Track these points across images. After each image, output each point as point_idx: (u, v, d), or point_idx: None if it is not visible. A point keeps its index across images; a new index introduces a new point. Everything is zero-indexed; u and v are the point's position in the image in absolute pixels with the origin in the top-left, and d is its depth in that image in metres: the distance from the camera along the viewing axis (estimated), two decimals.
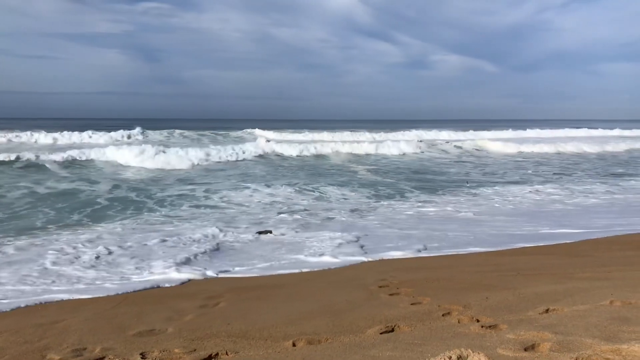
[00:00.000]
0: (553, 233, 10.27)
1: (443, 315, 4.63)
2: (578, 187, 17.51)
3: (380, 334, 4.14)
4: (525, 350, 3.16)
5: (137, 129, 42.71)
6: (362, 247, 9.29)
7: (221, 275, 7.57)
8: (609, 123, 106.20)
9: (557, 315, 4.21)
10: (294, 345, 4.04)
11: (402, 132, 52.84)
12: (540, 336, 3.44)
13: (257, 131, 51.61)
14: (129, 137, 40.39)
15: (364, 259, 8.41)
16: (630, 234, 9.86)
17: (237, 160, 26.08)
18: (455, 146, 37.06)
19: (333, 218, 12.17)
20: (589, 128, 71.17)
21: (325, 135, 47.81)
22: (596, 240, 9.25)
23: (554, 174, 22.47)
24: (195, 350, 4.08)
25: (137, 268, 7.75)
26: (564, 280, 5.90)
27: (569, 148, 35.81)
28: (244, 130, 51.89)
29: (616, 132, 63.63)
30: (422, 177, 21.41)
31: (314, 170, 23.22)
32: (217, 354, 3.94)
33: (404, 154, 31.50)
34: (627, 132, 62.00)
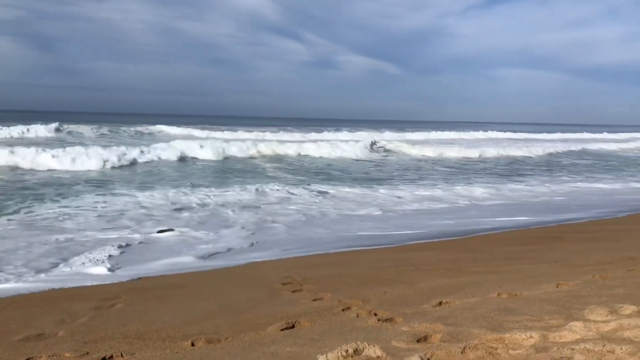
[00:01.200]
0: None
1: (343, 310, 4.72)
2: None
3: (281, 330, 4.16)
4: (418, 341, 3.29)
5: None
6: (257, 244, 9.27)
7: (119, 275, 7.28)
8: (504, 125, 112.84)
9: (449, 307, 4.42)
10: (192, 345, 3.97)
11: (344, 132, 54.22)
12: (433, 328, 3.60)
13: (161, 127, 49.84)
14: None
15: (265, 257, 8.40)
16: (518, 230, 10.54)
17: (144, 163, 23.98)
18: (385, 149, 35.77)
19: (232, 217, 11.96)
20: (514, 132, 73.14)
21: (243, 134, 46.84)
22: (487, 237, 9.81)
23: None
24: (87, 353, 3.89)
25: (24, 270, 7.27)
26: (457, 275, 6.21)
27: (492, 152, 34.41)
28: (144, 126, 49.54)
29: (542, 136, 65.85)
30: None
31: (224, 170, 22.79)
32: (111, 357, 3.79)
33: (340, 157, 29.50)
34: (540, 136, 64.43)
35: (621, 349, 2.78)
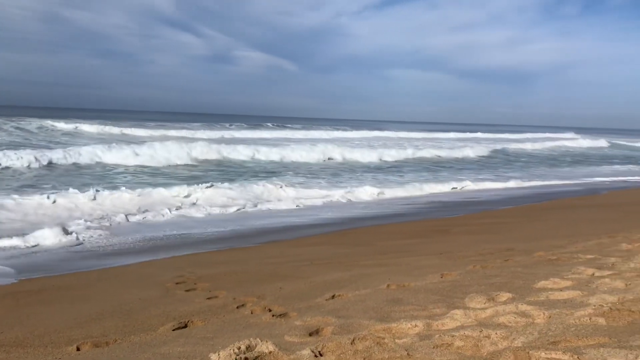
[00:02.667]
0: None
1: (237, 307, 4.70)
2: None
3: (173, 330, 4.08)
4: (310, 335, 3.36)
5: None
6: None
7: None
8: (397, 125, 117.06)
9: (342, 300, 4.54)
10: (78, 349, 3.78)
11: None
12: (325, 321, 3.69)
13: (50, 122, 45.03)
14: None
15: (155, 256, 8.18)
16: (407, 223, 11.02)
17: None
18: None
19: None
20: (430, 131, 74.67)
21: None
22: (379, 231, 10.17)
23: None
24: None
25: None
26: (350, 268, 6.39)
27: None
28: (27, 120, 43.90)
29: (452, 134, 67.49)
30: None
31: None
32: None
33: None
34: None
35: (496, 333, 3.00)
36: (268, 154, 26.90)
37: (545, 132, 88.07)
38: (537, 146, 48.76)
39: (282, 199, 14.41)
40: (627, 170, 28.62)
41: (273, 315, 4.11)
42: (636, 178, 23.18)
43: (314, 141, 36.02)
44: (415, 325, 3.31)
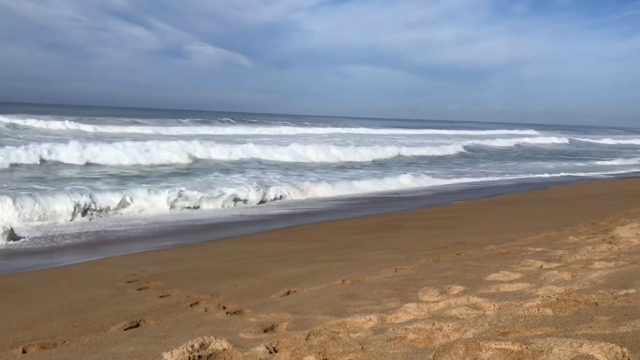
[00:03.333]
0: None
1: (191, 305, 4.64)
2: None
3: (125, 330, 3.99)
4: (265, 331, 3.34)
5: None
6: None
7: None
8: (352, 120, 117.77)
9: (297, 296, 4.54)
10: (24, 352, 3.65)
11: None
12: (280, 317, 3.67)
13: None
14: None
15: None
16: (362, 218, 11.11)
17: None
18: None
19: None
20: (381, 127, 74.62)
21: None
22: (334, 226, 10.22)
23: None
24: None
25: None
26: (306, 264, 6.39)
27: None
28: None
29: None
30: None
31: None
32: None
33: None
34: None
35: (448, 325, 3.05)
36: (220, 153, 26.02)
37: (506, 128, 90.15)
38: (507, 143, 50.28)
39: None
40: (588, 165, 29.66)
41: (227, 313, 4.07)
42: (590, 174, 24.03)
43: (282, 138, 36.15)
44: (370, 320, 3.33)
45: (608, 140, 64.81)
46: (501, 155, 37.79)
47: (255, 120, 70.27)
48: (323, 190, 15.43)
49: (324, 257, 6.91)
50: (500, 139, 52.28)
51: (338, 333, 3.04)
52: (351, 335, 3.01)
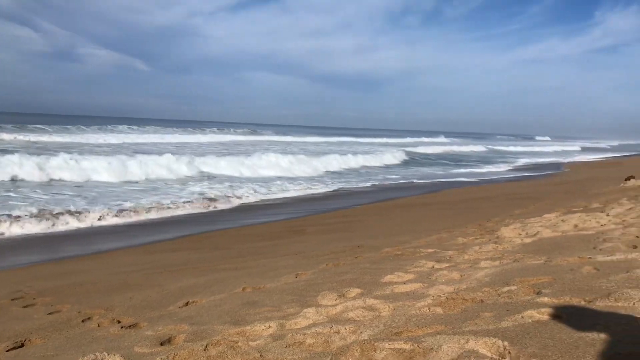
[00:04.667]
0: None
1: (83, 321, 4.42)
2: None
3: (7, 351, 3.72)
4: (162, 344, 3.25)
5: None
6: None
7: None
8: (251, 126, 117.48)
9: (196, 306, 4.45)
10: None
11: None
12: (178, 329, 3.59)
13: None
14: None
15: None
16: (264, 225, 11.10)
17: None
18: None
19: None
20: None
21: None
22: (235, 234, 10.13)
23: None
24: None
25: None
26: (206, 273, 6.29)
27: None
28: None
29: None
30: None
31: None
32: None
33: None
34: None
35: (345, 328, 3.13)
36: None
37: (420, 136, 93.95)
38: (437, 150, 52.62)
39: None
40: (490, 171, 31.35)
41: (122, 327, 3.92)
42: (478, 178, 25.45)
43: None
44: (269, 327, 3.34)
45: (502, 147, 69.34)
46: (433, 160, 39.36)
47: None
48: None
49: (224, 266, 6.83)
50: (433, 146, 55.04)
51: (237, 342, 3.03)
52: (250, 343, 3.01)
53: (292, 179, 21.24)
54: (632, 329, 2.64)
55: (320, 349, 2.85)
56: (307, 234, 9.83)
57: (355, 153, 35.90)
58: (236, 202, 14.90)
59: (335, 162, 28.76)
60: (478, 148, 61.52)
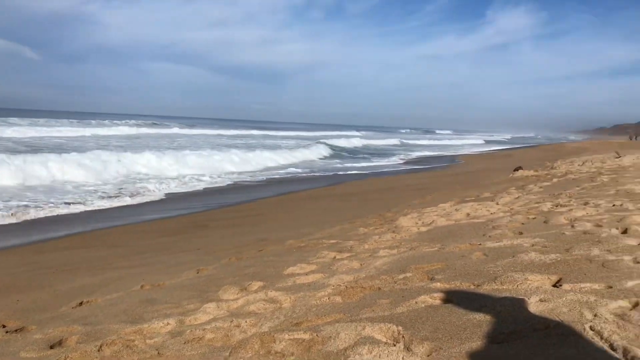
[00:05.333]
0: None
1: None
2: None
3: None
4: (52, 347, 3.08)
5: None
6: None
7: None
8: (151, 118, 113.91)
9: (90, 306, 4.26)
10: None
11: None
12: (70, 330, 3.42)
13: None
14: None
15: None
16: (166, 220, 10.80)
17: None
18: None
19: None
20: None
21: None
22: (135, 230, 9.78)
23: None
24: None
25: None
26: (102, 272, 6.03)
27: None
28: None
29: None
30: None
31: None
32: None
33: None
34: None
35: (246, 322, 3.12)
36: None
37: (333, 130, 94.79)
38: (356, 143, 53.28)
39: None
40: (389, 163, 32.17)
41: (7, 332, 3.67)
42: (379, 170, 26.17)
43: None
44: (168, 324, 3.26)
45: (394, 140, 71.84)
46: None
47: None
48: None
49: (123, 264, 6.58)
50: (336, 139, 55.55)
51: (133, 341, 2.93)
52: (147, 341, 2.92)
53: (198, 175, 20.78)
54: (515, 309, 2.82)
55: (220, 343, 2.83)
56: (211, 228, 9.69)
57: (269, 147, 35.89)
58: (136, 199, 14.38)
59: (249, 157, 28.41)
60: (393, 141, 63.15)
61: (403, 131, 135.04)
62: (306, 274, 4.42)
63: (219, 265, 5.54)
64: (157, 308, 3.80)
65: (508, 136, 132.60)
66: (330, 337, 2.62)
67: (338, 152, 41.29)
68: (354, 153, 42.53)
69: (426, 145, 60.63)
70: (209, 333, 2.96)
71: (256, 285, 4.18)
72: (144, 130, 59.71)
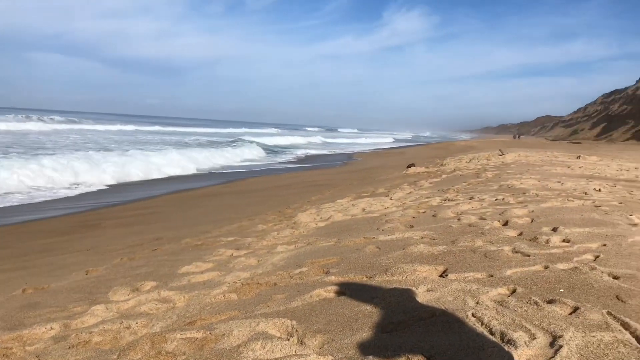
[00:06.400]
0: None
1: None
2: None
3: None
4: None
5: None
6: None
7: None
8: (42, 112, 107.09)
9: None
10: None
11: None
12: None
13: None
14: None
15: None
16: (54, 219, 10.19)
17: None
18: None
19: None
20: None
21: None
22: (18, 229, 9.15)
23: None
24: None
25: None
26: None
27: None
28: None
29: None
30: None
31: None
32: None
33: None
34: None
35: (136, 323, 3.01)
36: None
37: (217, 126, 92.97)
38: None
39: None
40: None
41: None
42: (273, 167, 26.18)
43: None
44: (51, 328, 3.08)
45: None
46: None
47: None
48: None
49: (3, 266, 6.13)
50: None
51: (11, 348, 2.74)
52: (27, 348, 2.75)
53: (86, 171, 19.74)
54: (404, 299, 2.94)
55: (109, 346, 2.71)
56: (103, 227, 9.25)
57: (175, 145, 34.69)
58: (18, 197, 13.44)
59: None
60: (296, 139, 62.97)
61: (310, 129, 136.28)
62: (202, 272, 4.35)
63: (110, 265, 5.31)
64: (39, 312, 3.57)
65: (409, 135, 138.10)
66: (224, 334, 2.59)
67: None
68: (258, 150, 42.33)
69: (330, 143, 61.52)
70: (96, 336, 2.83)
71: (149, 285, 4.05)
72: (29, 126, 55.62)
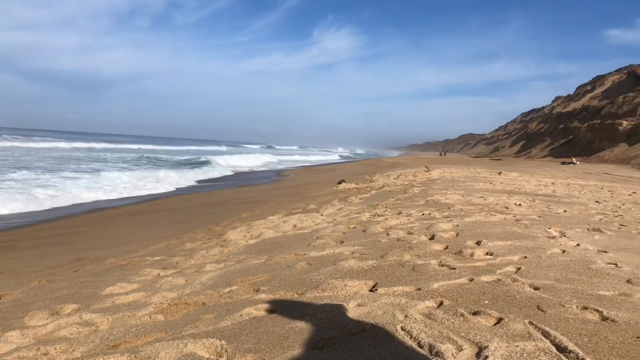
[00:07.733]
0: None
1: None
2: None
3: None
4: None
5: None
6: None
7: None
8: None
9: None
10: None
11: None
12: None
13: None
14: None
15: None
16: None
17: None
18: None
19: None
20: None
21: None
22: None
23: None
24: None
25: None
26: None
27: None
28: None
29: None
30: None
31: None
32: None
33: None
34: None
35: (55, 348, 2.85)
36: None
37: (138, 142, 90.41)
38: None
39: None
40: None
41: None
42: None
43: None
44: None
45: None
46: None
47: None
48: None
49: None
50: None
51: None
52: None
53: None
54: (335, 315, 2.94)
55: None
56: (18, 249, 8.75)
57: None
58: None
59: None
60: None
61: (249, 146, 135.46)
62: (126, 293, 4.18)
63: (26, 288, 5.02)
64: None
65: (347, 152, 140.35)
66: (150, 357, 2.49)
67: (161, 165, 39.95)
68: (182, 165, 41.50)
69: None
70: None
71: (70, 308, 3.86)
72: None
